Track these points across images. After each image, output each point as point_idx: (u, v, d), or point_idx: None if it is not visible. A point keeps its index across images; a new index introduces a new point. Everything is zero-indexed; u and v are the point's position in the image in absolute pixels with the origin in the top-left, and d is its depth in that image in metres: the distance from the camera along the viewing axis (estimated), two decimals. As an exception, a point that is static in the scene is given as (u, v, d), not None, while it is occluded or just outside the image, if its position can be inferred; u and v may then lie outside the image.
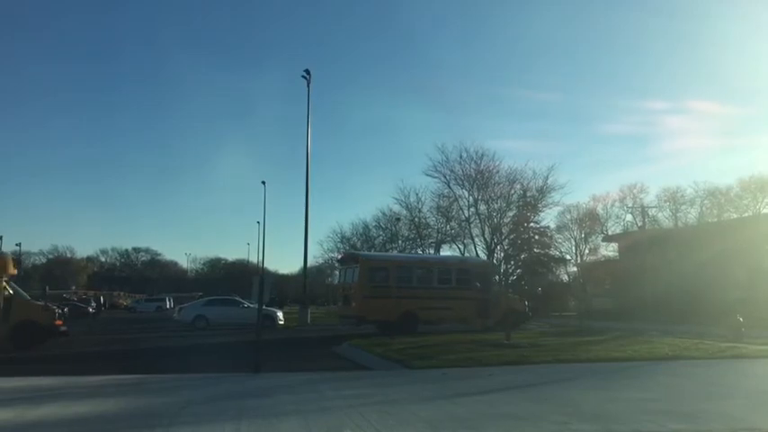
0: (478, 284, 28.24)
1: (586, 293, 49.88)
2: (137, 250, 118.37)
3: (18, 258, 21.14)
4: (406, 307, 25.62)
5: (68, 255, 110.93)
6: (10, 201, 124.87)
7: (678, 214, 62.88)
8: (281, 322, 32.57)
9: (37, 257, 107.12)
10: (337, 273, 40.22)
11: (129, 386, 10.95)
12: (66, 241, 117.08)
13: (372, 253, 45.88)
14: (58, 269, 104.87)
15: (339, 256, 41.27)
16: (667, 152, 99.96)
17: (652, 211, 61.31)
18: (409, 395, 9.77)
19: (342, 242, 68.70)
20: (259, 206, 77.02)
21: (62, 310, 20.93)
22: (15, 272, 20.35)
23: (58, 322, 19.84)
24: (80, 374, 12.37)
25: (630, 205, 64.27)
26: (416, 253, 55.79)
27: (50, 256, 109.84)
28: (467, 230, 55.57)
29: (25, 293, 21.04)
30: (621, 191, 66.39)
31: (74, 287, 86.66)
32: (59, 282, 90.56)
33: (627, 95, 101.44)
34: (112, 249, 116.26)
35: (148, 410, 8.50)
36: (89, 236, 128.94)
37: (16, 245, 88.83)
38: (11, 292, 19.29)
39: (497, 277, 32.41)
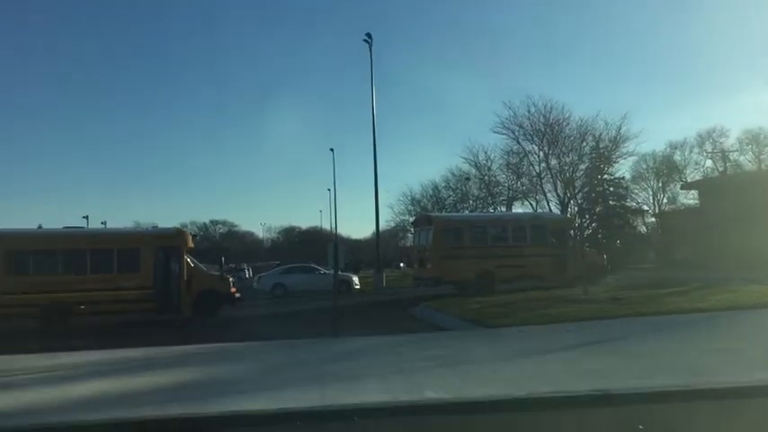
0: (554, 240, 27.75)
1: (666, 244, 48.46)
2: (214, 223, 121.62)
3: (195, 235, 23.29)
4: (482, 266, 25.51)
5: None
6: (95, 179, 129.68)
7: (762, 157, 60.01)
8: (357, 287, 32.95)
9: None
10: (411, 235, 40.40)
11: (213, 354, 11.39)
12: (147, 217, 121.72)
13: (446, 213, 45.69)
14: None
15: (412, 219, 41.28)
16: (748, 91, 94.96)
17: (733, 155, 58.89)
18: (488, 354, 9.78)
19: (412, 204, 68.58)
20: (329, 173, 77.84)
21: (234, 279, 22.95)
22: (193, 246, 22.30)
23: (233, 290, 21.61)
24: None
25: (710, 150, 61.79)
26: (488, 211, 55.34)
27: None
28: (538, 186, 54.64)
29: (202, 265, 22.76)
30: (700, 136, 63.70)
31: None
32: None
33: (702, 36, 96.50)
34: (191, 223, 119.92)
35: (234, 377, 8.81)
36: (169, 210, 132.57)
37: (102, 222, 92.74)
38: (192, 264, 21.04)
39: (573, 232, 31.66)
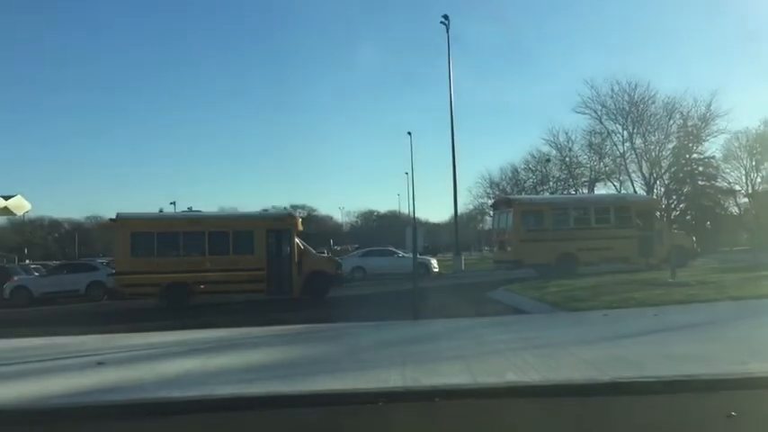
0: (640, 222, 27.00)
1: (760, 225, 46.27)
2: (294, 207, 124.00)
3: (304, 218, 24.75)
4: (564, 249, 25.23)
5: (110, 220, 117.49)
6: (181, 166, 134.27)
7: None
8: (436, 270, 33.00)
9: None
10: (490, 218, 40.05)
11: (296, 335, 11.67)
12: (230, 203, 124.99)
13: (526, 196, 45.08)
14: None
15: (492, 201, 40.90)
16: None
17: (833, 131, 55.28)
18: (570, 338, 9.63)
19: (491, 187, 67.91)
20: (406, 156, 77.96)
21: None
22: (302, 228, 23.39)
23: (339, 272, 22.70)
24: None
25: (808, 126, 58.11)
26: (569, 193, 54.21)
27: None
28: (622, 167, 53.07)
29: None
30: (797, 111, 60.11)
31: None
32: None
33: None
34: (272, 207, 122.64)
35: (316, 357, 9.02)
36: (251, 195, 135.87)
37: (188, 208, 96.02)
38: (302, 246, 21.89)
39: (659, 213, 30.57)
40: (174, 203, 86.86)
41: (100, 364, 8.91)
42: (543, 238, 25.51)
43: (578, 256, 25.41)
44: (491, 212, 38.26)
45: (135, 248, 20.65)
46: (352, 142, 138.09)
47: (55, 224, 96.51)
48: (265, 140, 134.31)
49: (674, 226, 29.96)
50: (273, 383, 7.15)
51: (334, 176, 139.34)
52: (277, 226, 21.79)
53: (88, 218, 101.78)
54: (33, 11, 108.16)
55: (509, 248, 26.44)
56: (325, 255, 23.46)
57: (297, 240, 21.61)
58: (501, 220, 28.44)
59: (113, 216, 21.24)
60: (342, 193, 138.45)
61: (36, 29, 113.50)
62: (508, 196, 39.83)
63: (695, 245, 29.27)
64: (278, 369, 8.11)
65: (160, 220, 22.57)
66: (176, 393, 6.86)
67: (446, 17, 36.47)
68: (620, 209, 27.40)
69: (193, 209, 24.09)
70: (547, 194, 52.35)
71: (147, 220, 22.13)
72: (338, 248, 59.58)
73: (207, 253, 20.80)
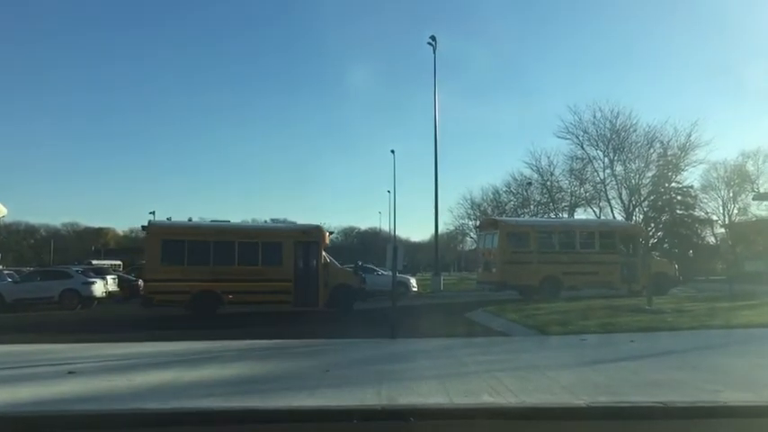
0: (624, 248, 27.31)
1: (736, 256, 46.83)
2: (275, 221, 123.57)
3: (332, 232, 24.68)
4: (549, 272, 25.32)
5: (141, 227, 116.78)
6: (161, 175, 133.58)
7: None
8: (415, 289, 32.96)
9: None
10: (472, 239, 40.17)
11: (275, 350, 11.60)
12: (213, 214, 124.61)
13: (512, 218, 45.31)
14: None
15: (477, 222, 41.06)
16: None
17: (809, 165, 56.23)
18: (547, 361, 9.66)
19: (472, 208, 68.35)
20: (389, 174, 78.13)
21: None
22: (329, 243, 23.39)
23: (363, 286, 22.62)
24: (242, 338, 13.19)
25: (785, 159, 59.10)
26: (551, 217, 54.55)
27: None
28: (602, 193, 53.57)
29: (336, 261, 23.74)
30: (775, 144, 61.13)
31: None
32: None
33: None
34: (252, 221, 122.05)
35: (294, 373, 8.98)
36: (233, 208, 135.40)
37: (167, 218, 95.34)
38: (328, 260, 22.01)
39: (642, 240, 30.88)
40: (153, 213, 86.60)
41: (71, 373, 8.79)
42: (528, 261, 25.54)
43: (563, 279, 25.48)
44: (476, 233, 38.34)
45: (165, 256, 20.66)
46: (335, 158, 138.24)
47: (31, 230, 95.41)
48: (247, 154, 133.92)
49: (656, 253, 30.22)
50: (250, 398, 7.09)
51: (316, 192, 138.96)
52: (305, 238, 21.87)
53: (65, 224, 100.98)
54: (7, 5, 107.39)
55: (494, 269, 26.41)
56: (351, 269, 23.38)
57: (323, 254, 21.78)
58: (486, 240, 28.44)
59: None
60: (322, 208, 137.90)
61: (12, 29, 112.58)
62: (494, 217, 39.97)
63: (677, 272, 29.56)
64: (255, 383, 8.05)
65: (191, 228, 22.55)
66: (151, 405, 6.77)
67: (433, 38, 36.78)
68: (604, 234, 27.58)
69: (200, 218, 23.95)
70: (528, 217, 52.64)
71: (179, 228, 22.30)
72: None
73: (236, 263, 20.79)
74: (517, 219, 43.53)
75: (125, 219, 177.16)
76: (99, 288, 26.18)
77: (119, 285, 29.79)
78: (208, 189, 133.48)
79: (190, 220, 23.54)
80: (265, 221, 31.69)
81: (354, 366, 9.52)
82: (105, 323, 18.79)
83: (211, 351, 11.37)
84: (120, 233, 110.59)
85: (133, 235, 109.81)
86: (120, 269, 46.64)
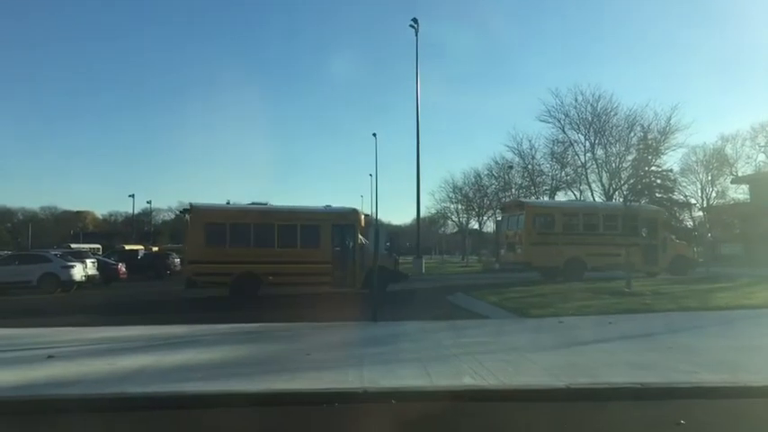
0: (645, 231, 27.97)
1: (714, 239, 47.36)
2: (256, 204, 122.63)
3: (367, 215, 24.77)
4: (573, 253, 26.00)
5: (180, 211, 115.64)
6: (141, 160, 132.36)
7: (817, 152, 57.90)
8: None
9: (166, 213, 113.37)
10: (453, 222, 40.05)
11: (257, 333, 11.58)
12: (192, 197, 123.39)
13: (538, 199, 45.76)
14: (185, 225, 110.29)
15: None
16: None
17: (787, 150, 56.91)
18: (526, 343, 9.74)
19: (454, 192, 68.28)
20: (371, 158, 78.02)
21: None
22: (364, 225, 23.85)
23: (397, 267, 23.59)
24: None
25: (763, 144, 59.79)
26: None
27: (177, 212, 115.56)
28: (583, 176, 53.71)
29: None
30: (753, 129, 61.55)
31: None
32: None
33: (759, 28, 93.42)
34: (232, 203, 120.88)
35: (276, 356, 8.97)
36: (212, 191, 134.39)
37: (147, 202, 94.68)
38: (364, 242, 22.43)
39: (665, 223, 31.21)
40: (132, 196, 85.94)
41: (50, 357, 8.74)
42: (554, 242, 26.19)
43: (586, 260, 26.11)
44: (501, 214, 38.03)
45: (209, 238, 21.05)
46: (317, 142, 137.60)
47: (8, 213, 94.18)
48: (228, 138, 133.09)
49: (674, 236, 30.67)
50: (231, 382, 7.08)
51: (298, 175, 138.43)
52: (342, 221, 22.39)
53: (43, 208, 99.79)
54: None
55: (519, 250, 26.91)
56: (386, 252, 23.90)
57: (360, 236, 22.29)
58: (510, 222, 28.75)
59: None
60: (304, 192, 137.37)
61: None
62: (521, 199, 40.30)
63: (696, 255, 29.97)
64: (235, 367, 8.04)
65: (233, 211, 22.69)
66: (132, 389, 6.76)
67: (415, 21, 36.55)
68: (627, 217, 28.15)
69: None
70: (556, 200, 52.71)
71: (221, 210, 22.49)
72: None
73: (276, 245, 21.26)
74: (543, 200, 43.94)
75: (104, 202, 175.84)
76: (78, 272, 25.98)
77: (98, 269, 29.57)
78: (188, 174, 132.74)
79: (228, 203, 23.65)
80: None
81: (335, 349, 9.53)
82: (85, 307, 18.64)
83: (193, 335, 11.35)
84: (99, 216, 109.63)
85: (112, 218, 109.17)
86: (100, 253, 46.20)
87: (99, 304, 19.83)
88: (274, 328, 12.39)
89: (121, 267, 33.53)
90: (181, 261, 43.13)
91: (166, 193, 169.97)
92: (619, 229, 27.30)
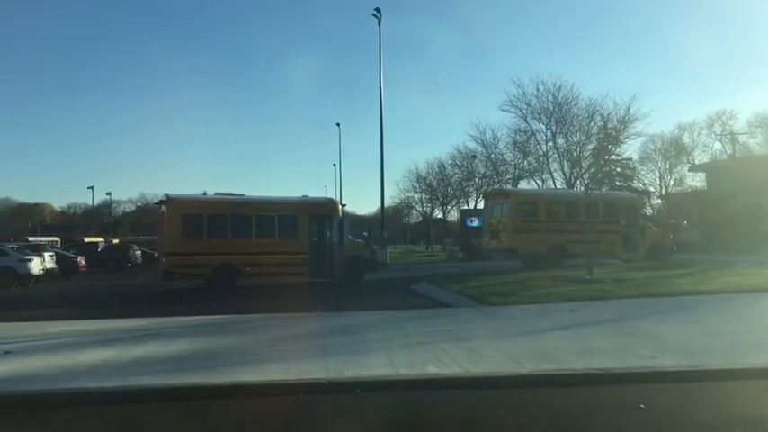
0: (624, 218, 28.55)
1: (672, 226, 48.34)
2: (219, 195, 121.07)
3: (344, 205, 24.93)
4: (556, 240, 26.53)
5: (155, 202, 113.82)
6: (100, 151, 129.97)
7: (771, 140, 59.42)
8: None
9: (126, 205, 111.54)
10: (421, 211, 39.96)
11: (220, 325, 11.47)
12: (153, 189, 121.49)
13: (521, 188, 46.24)
14: (147, 216, 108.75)
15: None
16: (760, 74, 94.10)
17: (742, 138, 58.30)
18: (490, 331, 9.83)
19: (418, 182, 68.54)
20: (335, 148, 78.05)
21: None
22: (341, 215, 23.92)
23: (375, 257, 23.59)
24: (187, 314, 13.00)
25: (719, 133, 61.14)
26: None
27: (139, 204, 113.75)
28: (545, 165, 54.28)
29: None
30: (709, 118, 63.17)
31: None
32: (147, 229, 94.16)
33: (715, 18, 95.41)
34: (210, 195, 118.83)
35: (240, 348, 8.90)
36: (175, 183, 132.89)
37: (107, 194, 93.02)
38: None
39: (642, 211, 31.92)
40: (92, 188, 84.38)
41: (7, 353, 8.54)
42: (537, 229, 26.65)
43: (568, 248, 26.60)
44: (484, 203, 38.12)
45: (185, 230, 20.85)
46: (281, 131, 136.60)
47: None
48: (189, 127, 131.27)
49: (651, 224, 31.34)
50: (194, 374, 7.00)
51: (261, 165, 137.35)
52: (319, 211, 22.58)
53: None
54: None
55: (503, 238, 27.29)
56: (362, 241, 24.50)
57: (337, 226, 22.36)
58: (494, 210, 29.18)
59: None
60: (270, 181, 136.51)
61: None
62: (504, 188, 40.66)
63: (672, 242, 30.60)
64: (199, 360, 7.96)
65: (210, 202, 22.57)
66: (92, 384, 6.64)
67: (378, 10, 36.40)
68: (607, 205, 28.75)
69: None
70: (539, 188, 53.14)
71: (198, 202, 22.35)
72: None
73: (254, 236, 21.19)
74: (526, 189, 44.46)
75: (62, 194, 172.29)
76: (36, 265, 25.40)
77: (57, 262, 28.97)
78: (149, 165, 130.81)
79: (204, 194, 23.40)
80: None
81: (300, 340, 9.50)
82: (43, 301, 18.25)
83: (156, 328, 11.18)
84: (58, 209, 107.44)
85: (71, 211, 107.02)
86: (58, 246, 45.27)
87: (57, 298, 19.42)
88: (240, 320, 12.30)
89: (81, 260, 32.91)
90: (143, 253, 42.69)
91: (127, 185, 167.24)
92: (600, 216, 27.85)
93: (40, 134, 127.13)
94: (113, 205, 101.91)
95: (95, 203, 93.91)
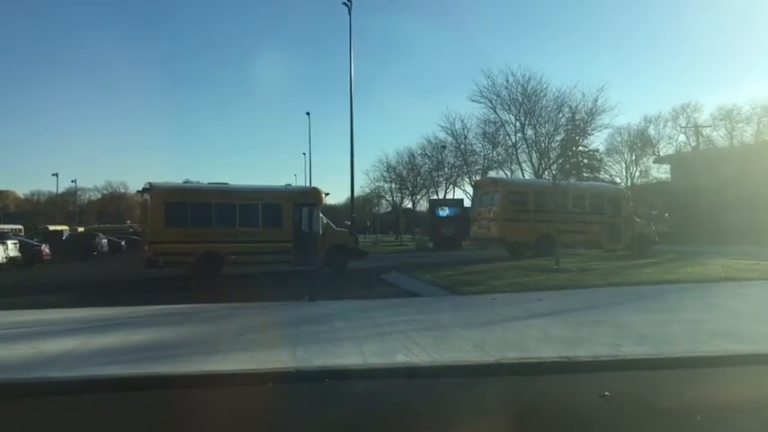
0: (610, 209, 28.91)
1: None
2: (186, 183, 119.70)
3: (327, 193, 25.01)
4: (544, 230, 26.70)
5: (122, 190, 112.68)
6: (65, 138, 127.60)
7: (734, 133, 60.55)
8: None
9: (92, 193, 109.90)
10: (391, 200, 40.10)
11: (187, 314, 11.38)
12: (119, 177, 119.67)
13: (511, 178, 46.46)
14: (113, 204, 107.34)
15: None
16: (723, 69, 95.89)
17: (706, 131, 59.36)
18: (459, 320, 9.90)
19: (387, 171, 68.53)
20: (305, 136, 77.58)
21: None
22: (324, 204, 24.26)
23: (357, 246, 24.02)
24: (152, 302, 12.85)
25: (684, 125, 62.17)
26: (464, 180, 55.74)
27: (105, 192, 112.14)
28: (514, 156, 54.73)
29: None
30: (674, 110, 64.18)
31: (128, 221, 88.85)
32: (114, 217, 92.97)
33: (679, 11, 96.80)
34: (192, 183, 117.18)
35: (207, 337, 8.84)
36: (141, 171, 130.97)
37: (72, 181, 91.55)
38: (325, 221, 22.82)
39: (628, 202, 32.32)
40: (56, 175, 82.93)
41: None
42: (526, 219, 26.93)
43: (556, 237, 26.61)
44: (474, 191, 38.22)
45: (169, 218, 20.75)
46: (249, 119, 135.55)
47: None
48: (156, 114, 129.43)
49: (635, 216, 31.80)
50: (160, 364, 6.94)
51: (229, 153, 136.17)
52: (303, 200, 22.57)
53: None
54: None
55: (493, 227, 27.50)
56: (346, 230, 25.00)
57: (320, 215, 22.39)
58: (484, 199, 29.37)
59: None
60: (238, 170, 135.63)
61: None
62: (494, 177, 40.90)
63: (655, 234, 31.08)
64: (165, 349, 7.89)
65: (194, 190, 22.77)
66: (55, 373, 6.54)
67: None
68: (594, 196, 29.46)
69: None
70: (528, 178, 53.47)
71: (181, 190, 22.50)
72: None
73: (238, 224, 21.23)
74: (515, 179, 44.72)
75: (26, 181, 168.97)
76: (-2, 253, 24.94)
77: (20, 250, 28.45)
78: (114, 150, 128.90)
79: (187, 181, 23.29)
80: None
81: (269, 329, 9.46)
82: (5, 290, 17.90)
83: (122, 317, 11.05)
84: (21, 196, 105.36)
85: (35, 198, 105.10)
86: (22, 234, 44.42)
87: (21, 287, 19.09)
88: (208, 309, 12.19)
89: (45, 248, 32.35)
90: (109, 241, 42.14)
91: (93, 173, 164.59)
92: (587, 207, 28.46)
93: (2, 120, 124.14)
94: (78, 193, 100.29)
95: (60, 191, 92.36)
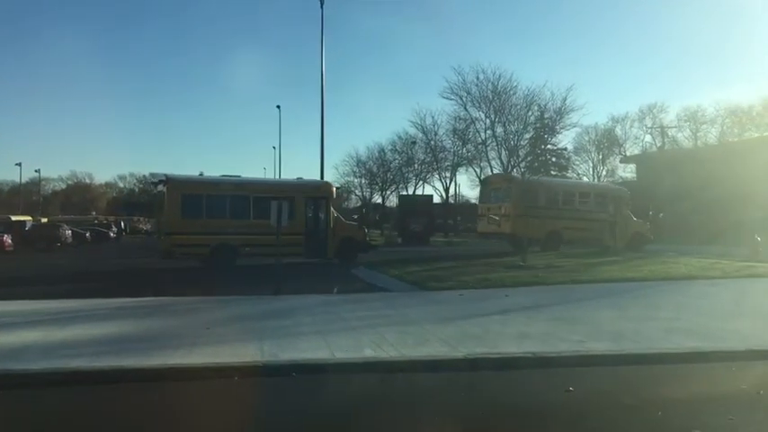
0: (611, 209, 29.38)
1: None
2: (154, 176, 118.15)
3: (338, 187, 25.03)
4: (553, 226, 27.31)
5: (87, 181, 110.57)
6: (28, 126, 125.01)
7: (698, 134, 61.63)
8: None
9: (56, 183, 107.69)
10: (363, 196, 40.05)
11: (153, 308, 11.24)
12: (84, 167, 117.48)
13: (525, 175, 46.82)
14: (77, 195, 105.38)
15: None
16: (689, 71, 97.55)
17: (671, 131, 60.21)
18: (426, 315, 9.95)
19: (357, 166, 68.32)
20: (275, 129, 77.00)
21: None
22: (335, 197, 24.49)
23: (366, 239, 24.41)
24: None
25: (650, 125, 63.03)
26: (434, 176, 55.97)
27: (69, 182, 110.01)
28: (483, 153, 54.85)
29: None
30: (641, 111, 65.10)
31: (93, 213, 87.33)
32: (78, 207, 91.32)
33: (647, 13, 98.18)
34: (130, 175, 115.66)
35: (172, 331, 8.74)
36: (107, 161, 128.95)
37: (35, 171, 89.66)
38: (335, 214, 23.28)
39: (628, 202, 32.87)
40: (19, 164, 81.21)
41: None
42: (536, 215, 27.18)
43: (563, 234, 27.44)
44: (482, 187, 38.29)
45: (185, 210, 20.94)
46: (218, 112, 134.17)
47: None
48: (126, 105, 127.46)
49: (632, 215, 32.31)
50: (124, 357, 6.85)
51: (198, 146, 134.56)
52: (315, 194, 23.17)
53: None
54: None
55: (504, 222, 27.79)
56: (355, 223, 25.42)
57: (331, 208, 23.01)
58: (494, 195, 29.99)
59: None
60: (206, 163, 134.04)
61: None
62: (507, 174, 41.03)
63: (650, 233, 31.54)
64: (131, 342, 7.79)
65: (209, 183, 22.68)
66: (17, 366, 6.43)
67: (320, -9, 35.93)
68: (598, 195, 30.24)
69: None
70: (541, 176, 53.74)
71: (198, 182, 22.69)
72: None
73: (251, 217, 21.21)
74: (529, 176, 45.10)
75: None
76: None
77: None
78: (79, 140, 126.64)
79: (201, 174, 23.23)
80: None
81: (235, 323, 9.41)
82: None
83: (86, 309, 10.88)
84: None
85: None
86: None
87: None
88: (175, 302, 12.09)
89: (7, 239, 31.70)
90: (74, 233, 41.42)
91: (57, 162, 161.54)
92: (591, 206, 29.02)
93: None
94: (42, 183, 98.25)
95: (23, 181, 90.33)
